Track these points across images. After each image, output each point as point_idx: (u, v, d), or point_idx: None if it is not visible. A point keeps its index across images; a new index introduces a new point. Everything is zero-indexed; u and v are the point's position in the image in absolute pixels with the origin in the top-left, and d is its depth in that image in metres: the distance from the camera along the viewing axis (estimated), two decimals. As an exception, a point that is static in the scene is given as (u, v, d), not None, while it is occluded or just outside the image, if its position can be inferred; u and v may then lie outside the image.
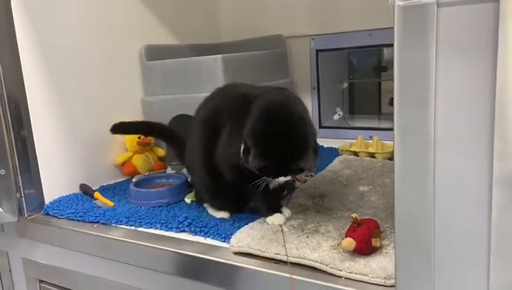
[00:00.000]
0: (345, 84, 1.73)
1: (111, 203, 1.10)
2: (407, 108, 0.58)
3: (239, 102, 0.90)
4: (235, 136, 0.86)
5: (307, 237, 0.80)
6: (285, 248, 0.76)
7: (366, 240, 0.72)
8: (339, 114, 1.66)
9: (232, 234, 0.86)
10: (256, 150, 0.80)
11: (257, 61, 1.44)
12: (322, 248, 0.76)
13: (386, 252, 0.73)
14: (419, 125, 0.57)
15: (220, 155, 0.90)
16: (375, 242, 0.73)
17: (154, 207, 1.06)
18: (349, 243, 0.72)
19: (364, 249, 0.72)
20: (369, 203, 0.96)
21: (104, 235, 0.96)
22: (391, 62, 1.73)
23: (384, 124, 1.62)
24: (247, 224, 0.89)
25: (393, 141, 0.59)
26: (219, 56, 1.24)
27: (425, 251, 0.59)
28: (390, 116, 1.71)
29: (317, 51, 1.61)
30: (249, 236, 0.82)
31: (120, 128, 1.19)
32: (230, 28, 1.75)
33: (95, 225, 1.01)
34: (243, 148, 0.83)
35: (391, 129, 1.58)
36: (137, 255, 0.91)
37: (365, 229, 0.73)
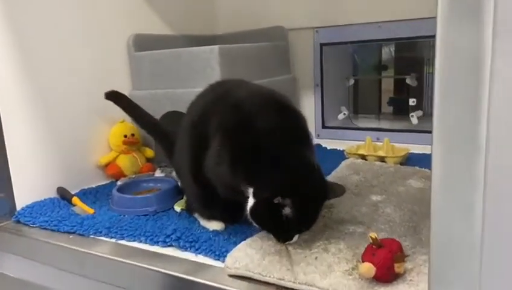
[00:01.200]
0: (351, 81, 1.60)
1: (90, 211, 0.97)
2: (452, 106, 0.46)
3: (231, 114, 0.78)
4: (225, 155, 0.74)
5: (316, 258, 0.68)
6: (293, 272, 0.64)
7: (387, 266, 0.61)
8: (344, 113, 1.54)
9: (227, 250, 0.74)
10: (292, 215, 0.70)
11: (257, 54, 1.32)
12: (334, 272, 0.64)
13: (411, 280, 0.62)
14: (467, 127, 0.45)
15: (210, 170, 0.78)
16: (398, 268, 0.61)
17: (139, 216, 0.94)
18: (369, 269, 0.60)
19: (386, 276, 0.61)
20: (385, 216, 0.84)
21: (79, 249, 0.84)
22: (391, 60, 1.66)
23: (393, 125, 1.50)
24: (245, 239, 0.77)
25: (431, 144, 0.48)
26: (216, 47, 1.12)
27: (469, 286, 0.48)
28: (390, 116, 1.62)
29: (322, 44, 1.49)
30: (247, 256, 0.70)
31: (114, 96, 1.09)
32: (228, 19, 1.63)
33: (70, 236, 0.89)
34: (255, 202, 0.71)
35: (402, 131, 1.44)
36: (116, 273, 0.79)
37: (386, 252, 0.61)
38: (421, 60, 1.56)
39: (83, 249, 0.83)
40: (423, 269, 0.64)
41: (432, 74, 1.59)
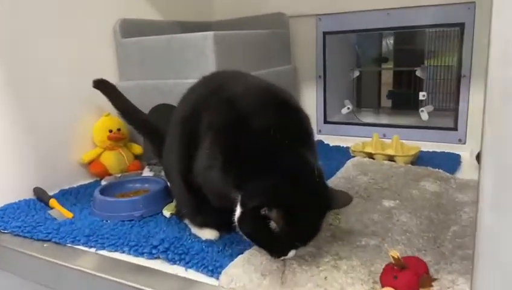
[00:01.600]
0: (356, 73, 1.50)
1: (69, 215, 0.87)
2: (509, 108, 0.36)
3: (224, 111, 0.68)
4: (216, 158, 0.65)
5: (325, 278, 0.59)
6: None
7: (412, 291, 0.51)
8: (348, 107, 1.44)
9: (221, 265, 0.65)
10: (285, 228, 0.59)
11: (255, 43, 1.21)
12: (348, 297, 0.54)
13: (439, 307, 0.52)
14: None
15: (199, 173, 0.67)
16: (424, 293, 0.52)
17: (123, 221, 0.84)
18: (391, 296, 0.50)
19: (410, 303, 0.51)
20: (400, 225, 0.75)
21: (53, 260, 0.74)
22: (395, 52, 1.56)
23: (400, 120, 1.41)
24: (242, 251, 0.68)
25: (482, 152, 0.38)
26: (210, 33, 1.01)
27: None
28: (388, 110, 1.53)
29: (325, 33, 1.38)
30: (245, 273, 0.61)
31: (102, 85, 1.00)
32: (225, 4, 1.52)
33: (45, 244, 0.79)
34: (241, 211, 0.61)
35: (411, 127, 1.33)
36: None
37: (411, 275, 0.52)
38: (421, 52, 1.46)
39: (57, 261, 0.73)
40: (451, 293, 0.55)
41: (434, 66, 1.47)
